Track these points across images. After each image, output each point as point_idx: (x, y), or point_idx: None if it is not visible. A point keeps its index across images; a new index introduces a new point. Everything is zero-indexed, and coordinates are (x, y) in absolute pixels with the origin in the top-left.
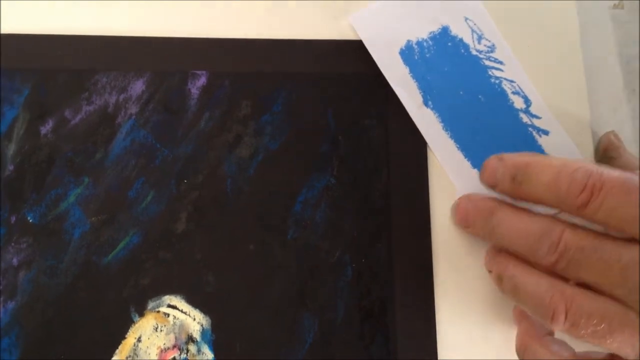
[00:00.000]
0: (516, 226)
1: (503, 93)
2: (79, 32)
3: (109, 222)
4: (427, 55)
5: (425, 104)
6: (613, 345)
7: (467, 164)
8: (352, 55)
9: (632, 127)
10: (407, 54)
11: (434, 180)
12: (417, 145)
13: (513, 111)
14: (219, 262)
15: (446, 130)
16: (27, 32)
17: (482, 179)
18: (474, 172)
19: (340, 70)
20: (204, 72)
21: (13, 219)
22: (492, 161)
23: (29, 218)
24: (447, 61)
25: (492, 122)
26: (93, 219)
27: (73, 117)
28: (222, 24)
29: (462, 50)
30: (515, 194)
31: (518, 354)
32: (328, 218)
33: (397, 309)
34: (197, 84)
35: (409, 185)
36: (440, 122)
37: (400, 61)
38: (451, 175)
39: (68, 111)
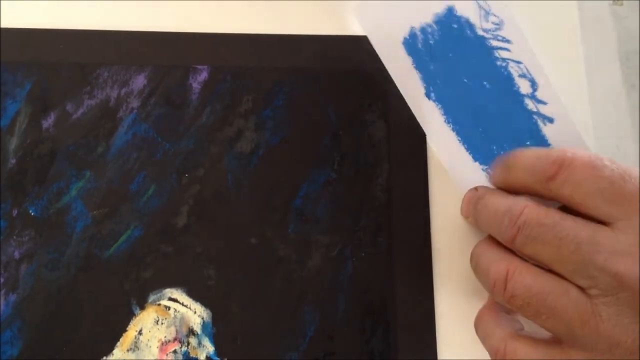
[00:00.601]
0: (490, 207)
1: (509, 77)
2: (81, 26)
3: (110, 216)
4: (431, 42)
5: (428, 95)
6: (548, 322)
7: (468, 156)
8: (353, 51)
9: (631, 123)
10: (411, 43)
11: (434, 175)
12: (418, 140)
13: (518, 97)
14: (220, 256)
15: (448, 122)
16: (29, 26)
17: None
18: (475, 165)
19: (342, 65)
20: (205, 66)
21: (15, 212)
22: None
23: (30, 211)
24: (451, 46)
25: (496, 110)
26: (95, 212)
27: (75, 111)
28: (223, 19)
29: (468, 32)
30: (506, 182)
31: (474, 327)
32: (329, 212)
33: (397, 303)
34: (199, 78)
35: (409, 180)
36: (442, 114)
37: (404, 52)
38: (450, 170)
39: (70, 105)
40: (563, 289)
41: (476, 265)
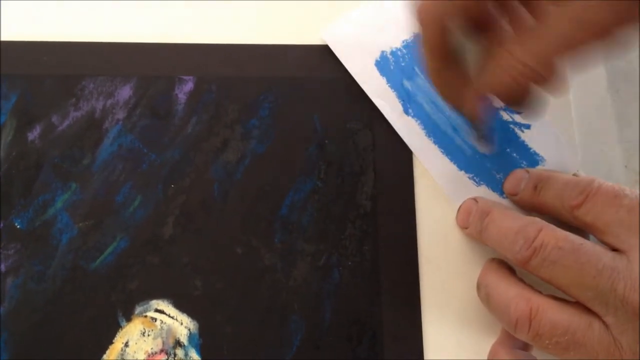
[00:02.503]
0: (501, 225)
1: None
2: (66, 38)
3: (96, 227)
4: (403, 64)
5: (406, 112)
6: (574, 357)
7: (453, 167)
8: (338, 60)
9: (616, 127)
10: (383, 64)
11: (419, 182)
12: (403, 149)
13: (492, 110)
14: (206, 266)
15: (429, 136)
16: (14, 38)
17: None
18: (461, 174)
19: (327, 74)
20: (191, 77)
21: (1, 225)
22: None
23: (16, 224)
24: (422, 67)
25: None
26: (81, 224)
27: (60, 122)
28: (208, 29)
29: None
30: (533, 200)
31: None
32: (315, 221)
33: (383, 312)
34: (184, 89)
35: (395, 188)
36: (422, 129)
37: (377, 72)
38: (439, 180)
39: (55, 117)
40: (587, 323)
41: (488, 298)
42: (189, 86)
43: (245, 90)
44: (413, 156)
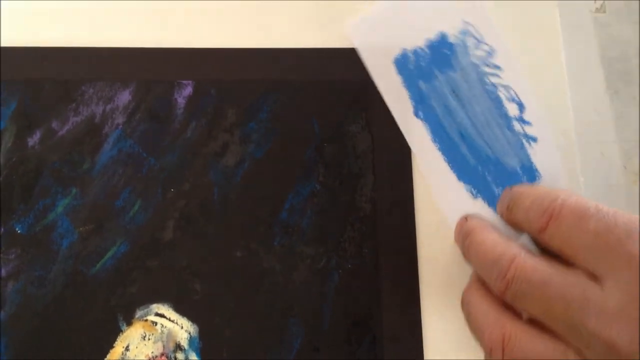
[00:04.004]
0: (478, 249)
1: (498, 101)
2: (65, 43)
3: (96, 232)
4: (422, 64)
5: (416, 114)
6: None
7: (452, 175)
8: (336, 63)
9: (614, 129)
10: (402, 62)
11: (418, 185)
12: (402, 151)
13: (506, 119)
14: (206, 270)
15: (434, 141)
16: (13, 44)
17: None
18: (460, 185)
19: (325, 77)
20: (189, 81)
21: (1, 230)
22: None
23: (17, 229)
24: (442, 70)
25: (483, 131)
26: (81, 229)
27: (60, 128)
28: (207, 33)
29: (460, 58)
30: (508, 221)
31: None
32: (314, 224)
33: (383, 314)
34: (183, 93)
35: (394, 191)
36: (429, 133)
37: (394, 70)
38: (434, 188)
39: (55, 122)
40: (561, 353)
41: (468, 316)
42: (188, 90)
43: (244, 94)
44: (412, 158)
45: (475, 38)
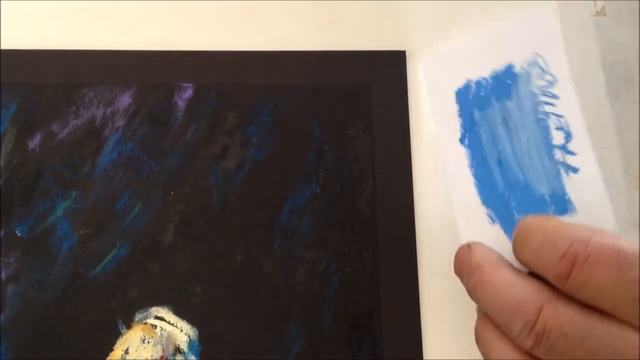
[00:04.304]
0: (492, 291)
1: (545, 129)
2: (66, 46)
3: (96, 235)
4: (482, 94)
5: (462, 141)
6: None
7: (478, 200)
8: (336, 66)
9: (616, 133)
10: (463, 92)
11: (418, 189)
12: (402, 155)
13: (548, 148)
14: (206, 273)
15: (471, 167)
16: (14, 47)
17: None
18: (481, 209)
19: (325, 81)
20: (190, 84)
21: (1, 233)
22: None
23: (17, 232)
24: (500, 98)
25: (522, 159)
26: (81, 232)
27: (60, 131)
28: (207, 36)
29: (520, 87)
30: (518, 259)
31: None
32: (314, 228)
33: (383, 317)
34: (184, 96)
35: (394, 195)
36: (468, 158)
37: (453, 99)
38: (457, 208)
39: (55, 125)
40: None
41: (485, 356)
42: (188, 93)
43: (244, 97)
44: (412, 162)
45: (541, 68)
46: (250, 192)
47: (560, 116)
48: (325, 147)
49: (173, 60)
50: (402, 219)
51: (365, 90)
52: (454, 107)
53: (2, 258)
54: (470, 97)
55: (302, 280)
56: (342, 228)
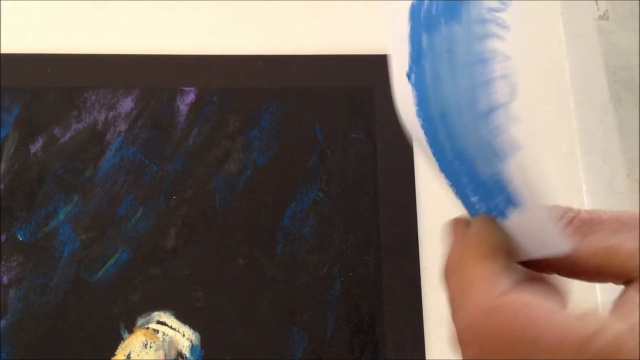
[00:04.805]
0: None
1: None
2: (68, 51)
3: (98, 239)
4: (434, 12)
5: (408, 76)
6: None
7: (435, 164)
8: (338, 70)
9: (618, 137)
10: (416, 8)
11: (421, 193)
12: (405, 157)
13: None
14: (208, 278)
15: (419, 116)
16: (16, 51)
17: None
18: (441, 175)
19: (327, 85)
20: (192, 88)
21: (3, 237)
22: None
23: (19, 236)
24: (448, 21)
25: (465, 119)
26: (83, 236)
27: (62, 135)
28: (209, 41)
29: (472, 7)
30: None
31: None
32: (316, 232)
33: (385, 321)
34: (186, 100)
35: (396, 199)
36: (416, 103)
37: (407, 15)
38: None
39: (57, 129)
40: None
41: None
42: (190, 97)
43: (246, 101)
44: (415, 166)
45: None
46: (252, 197)
47: (508, 58)
48: (328, 151)
49: (175, 64)
50: (404, 223)
51: (369, 94)
52: (405, 28)
53: (4, 262)
54: (422, 14)
55: (304, 284)
56: (344, 232)
